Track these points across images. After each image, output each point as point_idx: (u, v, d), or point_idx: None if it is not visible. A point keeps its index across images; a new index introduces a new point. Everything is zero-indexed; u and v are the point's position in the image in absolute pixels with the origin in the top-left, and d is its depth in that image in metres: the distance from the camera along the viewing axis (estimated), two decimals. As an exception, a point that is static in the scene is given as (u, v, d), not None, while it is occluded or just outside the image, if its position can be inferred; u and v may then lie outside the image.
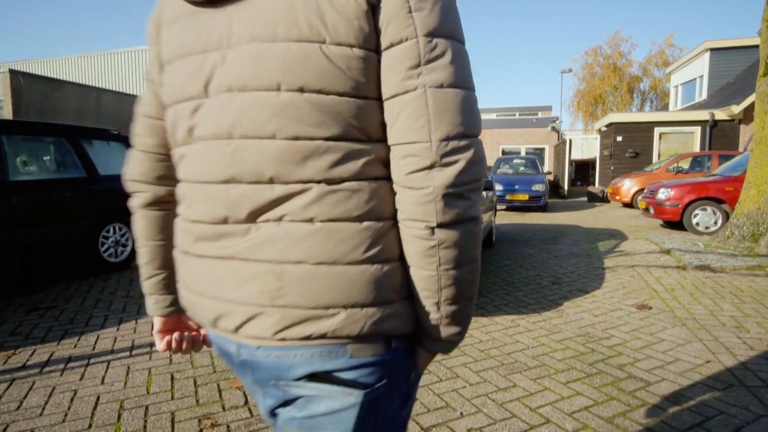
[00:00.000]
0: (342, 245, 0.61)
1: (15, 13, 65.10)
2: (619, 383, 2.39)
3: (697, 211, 7.30)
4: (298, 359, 0.63)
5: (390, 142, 0.62)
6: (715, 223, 7.23)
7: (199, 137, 0.67)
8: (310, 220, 0.61)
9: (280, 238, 0.61)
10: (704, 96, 16.24)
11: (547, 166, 19.58)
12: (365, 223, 0.62)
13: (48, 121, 4.99)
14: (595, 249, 6.15)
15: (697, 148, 13.66)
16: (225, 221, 0.65)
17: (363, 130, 0.61)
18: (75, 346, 2.86)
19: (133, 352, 2.77)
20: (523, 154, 19.08)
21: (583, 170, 24.24)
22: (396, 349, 0.66)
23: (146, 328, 3.17)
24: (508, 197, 11.24)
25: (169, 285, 0.86)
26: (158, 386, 2.34)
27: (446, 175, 0.59)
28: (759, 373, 2.48)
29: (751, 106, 12.34)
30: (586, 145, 21.68)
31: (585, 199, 15.39)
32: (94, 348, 2.83)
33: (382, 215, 0.63)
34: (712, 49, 15.68)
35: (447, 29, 0.60)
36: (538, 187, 11.18)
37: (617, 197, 12.01)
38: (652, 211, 7.77)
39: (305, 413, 0.65)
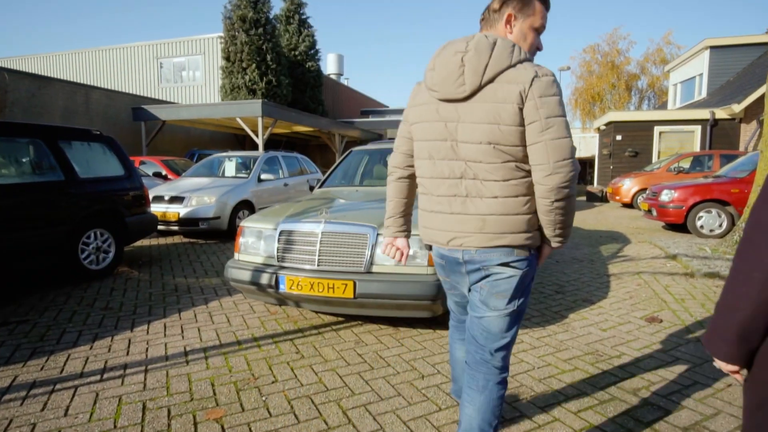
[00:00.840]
0: (512, 207, 1.42)
1: (2, 9, 64.20)
2: (635, 412, 2.18)
3: (701, 214, 7.11)
4: (494, 256, 1.45)
5: (531, 163, 1.39)
6: (720, 225, 7.04)
7: (441, 159, 1.50)
8: (496, 197, 1.42)
9: (484, 211, 1.45)
10: (704, 94, 16.06)
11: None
12: (521, 198, 1.42)
13: (22, 121, 4.73)
14: (598, 253, 5.95)
15: (697, 148, 13.49)
16: (446, 195, 1.50)
17: (516, 158, 1.40)
18: (42, 368, 2.62)
19: (105, 376, 2.53)
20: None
21: (580, 169, 24.07)
22: (533, 255, 1.51)
23: (122, 346, 2.94)
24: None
25: (406, 221, 1.78)
26: (127, 418, 2.11)
27: (557, 178, 1.34)
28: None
29: (752, 105, 12.18)
30: (584, 144, 21.49)
31: (584, 198, 15.19)
32: (62, 370, 2.60)
33: (528, 193, 1.43)
34: (712, 47, 15.50)
35: (554, 113, 1.34)
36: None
37: (617, 197, 11.82)
38: (654, 213, 7.57)
39: (494, 279, 1.47)
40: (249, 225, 3.27)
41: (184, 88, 20.85)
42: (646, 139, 13.99)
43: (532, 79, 1.32)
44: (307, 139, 21.55)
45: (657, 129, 13.90)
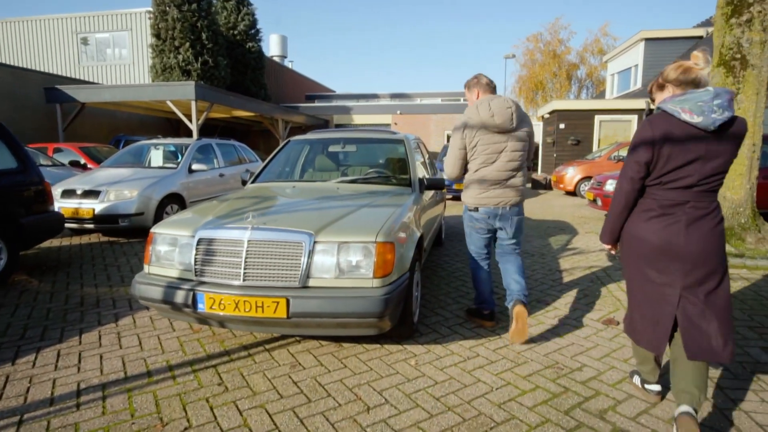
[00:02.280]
0: (522, 183, 3.01)
1: None
2: (605, 443, 1.94)
3: (642, 203, 7.22)
4: (517, 209, 3.04)
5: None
6: (660, 214, 7.19)
7: (494, 162, 2.96)
8: (519, 180, 3.00)
9: (517, 184, 3.01)
10: (639, 85, 16.72)
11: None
12: (524, 179, 3.03)
13: None
14: (548, 246, 5.86)
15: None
16: (502, 179, 2.95)
17: (526, 160, 3.03)
18: None
19: (-40, 435, 1.98)
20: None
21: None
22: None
23: (13, 391, 2.36)
24: (455, 186, 10.86)
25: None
26: (-22, 501, 1.60)
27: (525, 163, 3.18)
28: (755, 415, 2.13)
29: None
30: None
31: (529, 185, 15.44)
32: None
33: (526, 177, 3.07)
34: (647, 39, 16.11)
35: (533, 138, 3.08)
36: (485, 176, 10.94)
37: (561, 185, 12.03)
38: (600, 202, 7.65)
39: (516, 221, 3.06)
40: (161, 231, 2.75)
41: (110, 67, 19.07)
42: (587, 128, 14.36)
43: (531, 124, 2.98)
44: (249, 124, 20.48)
45: (597, 118, 14.30)
